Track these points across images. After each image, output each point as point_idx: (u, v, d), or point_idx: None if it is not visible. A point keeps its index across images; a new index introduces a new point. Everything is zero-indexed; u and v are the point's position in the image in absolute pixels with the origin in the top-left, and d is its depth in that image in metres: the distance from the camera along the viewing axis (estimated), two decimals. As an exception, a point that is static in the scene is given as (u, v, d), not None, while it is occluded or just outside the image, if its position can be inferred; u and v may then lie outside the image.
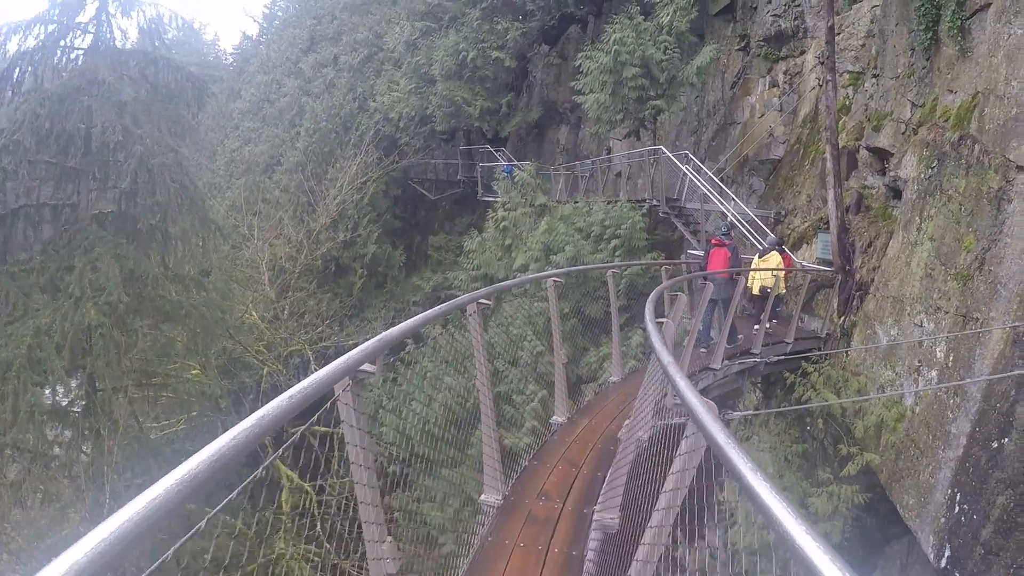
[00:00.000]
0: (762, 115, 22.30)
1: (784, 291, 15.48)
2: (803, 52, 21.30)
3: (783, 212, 19.58)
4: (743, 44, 23.48)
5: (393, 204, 38.69)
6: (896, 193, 14.72)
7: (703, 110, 25.32)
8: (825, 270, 15.40)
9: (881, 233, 14.15)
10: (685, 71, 21.78)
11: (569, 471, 7.51)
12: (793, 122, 21.20)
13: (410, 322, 4.73)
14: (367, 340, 3.75)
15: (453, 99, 32.45)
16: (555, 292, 9.85)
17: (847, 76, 19.15)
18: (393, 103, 35.72)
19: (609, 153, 28.41)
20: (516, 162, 30.36)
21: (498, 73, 32.80)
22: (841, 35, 19.57)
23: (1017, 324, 10.14)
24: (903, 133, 14.76)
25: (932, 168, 12.45)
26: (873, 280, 13.63)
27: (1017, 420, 9.85)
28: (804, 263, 16.80)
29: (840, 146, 16.32)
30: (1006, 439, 9.90)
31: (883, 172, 16.15)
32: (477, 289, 22.57)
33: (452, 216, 38.47)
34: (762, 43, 22.52)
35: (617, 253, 19.78)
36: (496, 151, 34.37)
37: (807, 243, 17.49)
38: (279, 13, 71.53)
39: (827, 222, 16.69)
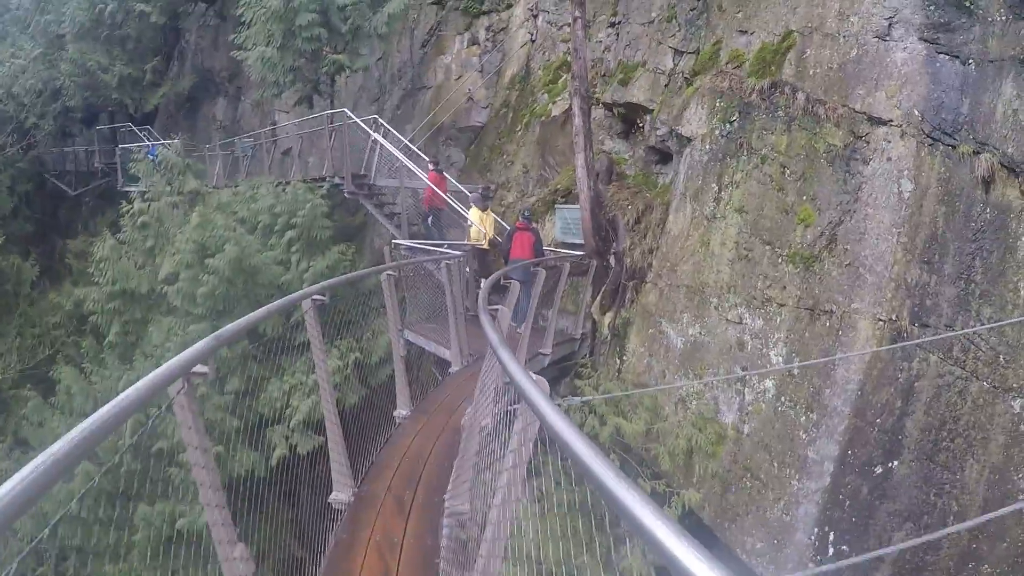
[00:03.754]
0: (459, 77, 19.05)
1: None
2: (510, 6, 18.37)
3: (492, 186, 16.39)
4: (437, -3, 20.02)
5: (22, 203, 30.36)
6: (662, 156, 12.10)
7: (386, 75, 21.51)
8: (573, 254, 12.34)
9: (653, 206, 11.37)
10: (373, 20, 17.77)
11: None
12: (498, 84, 18.19)
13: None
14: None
15: (86, 64, 26.00)
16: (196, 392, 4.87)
17: (567, 29, 16.49)
18: (15, 73, 28.17)
19: (275, 126, 23.16)
20: (162, 141, 24.05)
21: (143, 32, 27.10)
22: (557, -18, 16.92)
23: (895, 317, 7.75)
24: (666, 85, 12.18)
25: (731, 123, 9.84)
26: (651, 265, 10.76)
27: (908, 438, 7.46)
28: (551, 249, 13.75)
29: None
30: (895, 462, 7.57)
31: (626, 135, 13.60)
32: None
33: (96, 214, 30.99)
34: (461, -5, 19.26)
35: (294, 248, 15.27)
36: (140, 131, 27.74)
37: (538, 222, 14.44)
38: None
39: (561, 195, 13.80)
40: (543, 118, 15.80)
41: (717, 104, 10.06)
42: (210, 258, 13.83)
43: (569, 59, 15.93)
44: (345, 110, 17.11)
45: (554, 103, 15.77)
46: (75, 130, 31.68)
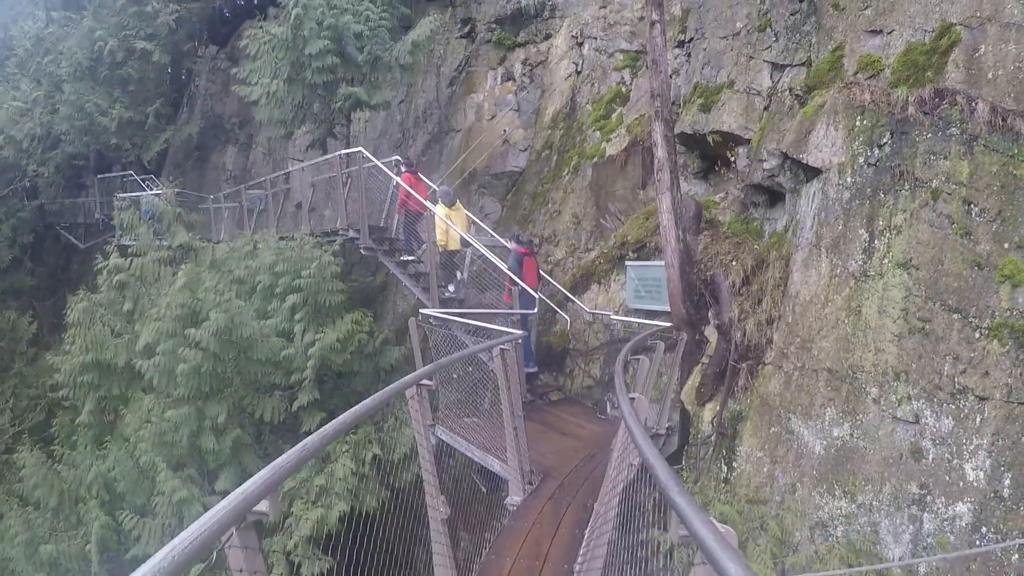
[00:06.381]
0: (492, 117, 16.73)
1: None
2: (549, 36, 16.12)
3: (537, 240, 13.92)
4: (467, 30, 17.81)
5: (25, 255, 28.60)
6: (770, 197, 9.57)
7: (410, 117, 19.27)
8: (653, 324, 9.75)
9: (767, 261, 8.80)
10: (394, 50, 15.54)
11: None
12: (537, 123, 15.87)
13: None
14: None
15: (84, 106, 23.86)
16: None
17: (620, 57, 14.21)
18: (14, 117, 26.08)
19: (287, 175, 20.79)
20: (153, 191, 22.05)
21: (145, 73, 25.09)
22: (607, 9, 14.70)
23: None
24: (765, 107, 9.73)
25: (882, 147, 7.31)
26: (771, 341, 8.15)
27: None
28: (603, 311, 11.18)
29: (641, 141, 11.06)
30: None
31: (706, 174, 11.14)
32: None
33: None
34: (493, 25, 17.04)
35: (298, 315, 12.76)
36: (144, 180, 25.36)
37: (599, 283, 11.90)
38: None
39: (632, 249, 11.29)
40: (595, 159, 13.40)
41: (858, 123, 7.55)
42: (193, 327, 11.42)
43: (624, 90, 13.65)
44: (362, 149, 14.57)
45: (608, 140, 13.40)
46: (87, 180, 29.53)
